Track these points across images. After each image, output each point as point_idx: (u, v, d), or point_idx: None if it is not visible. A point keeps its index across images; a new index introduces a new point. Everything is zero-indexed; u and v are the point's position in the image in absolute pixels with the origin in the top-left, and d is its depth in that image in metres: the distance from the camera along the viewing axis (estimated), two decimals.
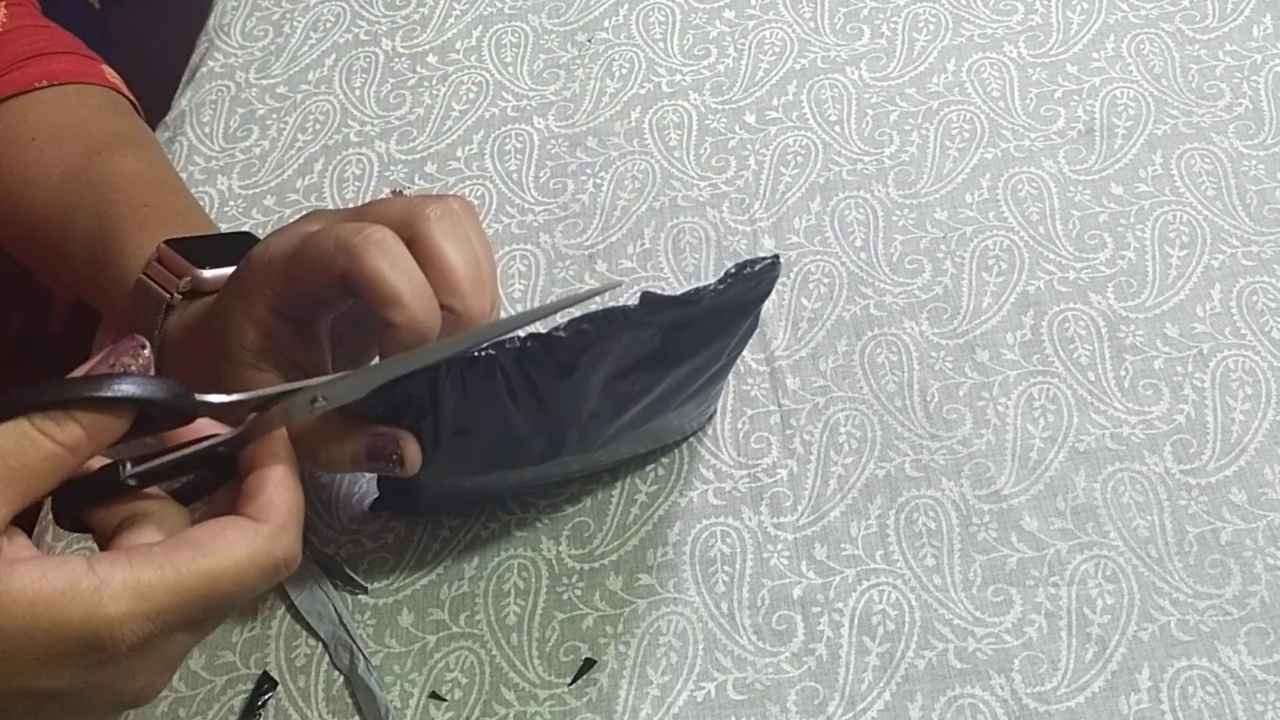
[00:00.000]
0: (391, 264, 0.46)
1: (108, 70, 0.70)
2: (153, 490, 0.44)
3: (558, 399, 0.50)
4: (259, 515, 0.43)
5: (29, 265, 0.68)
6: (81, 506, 0.43)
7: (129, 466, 0.43)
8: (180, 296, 0.56)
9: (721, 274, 0.50)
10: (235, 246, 0.57)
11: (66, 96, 0.67)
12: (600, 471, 0.60)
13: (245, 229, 0.72)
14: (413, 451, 0.49)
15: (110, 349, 0.43)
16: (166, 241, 0.57)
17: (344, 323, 0.53)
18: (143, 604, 0.39)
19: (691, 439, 0.61)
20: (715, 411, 0.61)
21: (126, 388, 0.41)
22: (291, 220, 0.52)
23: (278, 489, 0.43)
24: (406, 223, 0.47)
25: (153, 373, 0.43)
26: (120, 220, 0.60)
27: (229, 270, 0.53)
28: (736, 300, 0.51)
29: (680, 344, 0.51)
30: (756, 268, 0.50)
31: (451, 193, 0.51)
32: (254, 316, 0.49)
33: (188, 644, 0.43)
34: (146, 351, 0.43)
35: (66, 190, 0.63)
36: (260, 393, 0.44)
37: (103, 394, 0.40)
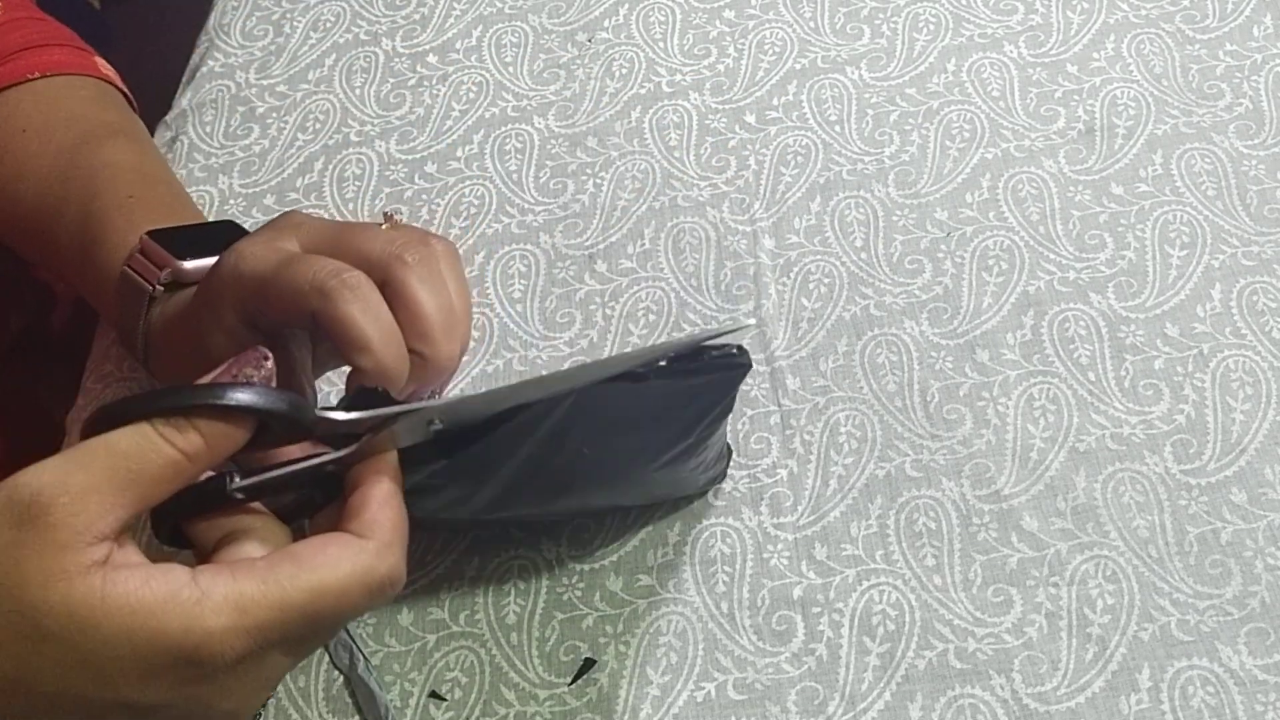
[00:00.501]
0: (363, 309, 0.46)
1: (101, 62, 0.70)
2: (256, 506, 0.43)
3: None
4: (363, 532, 0.42)
5: (22, 256, 0.68)
6: (183, 517, 0.42)
7: (236, 479, 0.42)
8: (162, 288, 0.56)
9: (682, 344, 0.48)
10: (218, 235, 0.57)
11: (58, 88, 0.67)
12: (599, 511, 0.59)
13: (246, 229, 0.71)
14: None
15: (234, 360, 0.42)
16: (149, 232, 0.57)
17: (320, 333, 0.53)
18: (244, 619, 0.38)
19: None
20: (724, 472, 0.59)
21: (248, 397, 0.40)
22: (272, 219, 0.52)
23: (382, 507, 0.42)
24: (384, 264, 0.47)
25: (274, 384, 0.42)
26: (106, 212, 0.60)
27: (211, 261, 0.53)
28: (685, 385, 0.49)
29: (620, 416, 0.49)
30: (714, 354, 0.49)
31: (436, 233, 0.51)
32: (224, 325, 0.49)
33: (285, 666, 0.42)
34: (269, 363, 0.42)
35: (55, 182, 0.63)
36: (379, 412, 0.43)
37: (225, 402, 0.40)
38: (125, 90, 0.71)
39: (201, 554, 0.43)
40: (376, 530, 0.42)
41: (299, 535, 0.43)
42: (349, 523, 0.42)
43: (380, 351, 0.46)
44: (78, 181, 0.62)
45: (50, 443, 0.70)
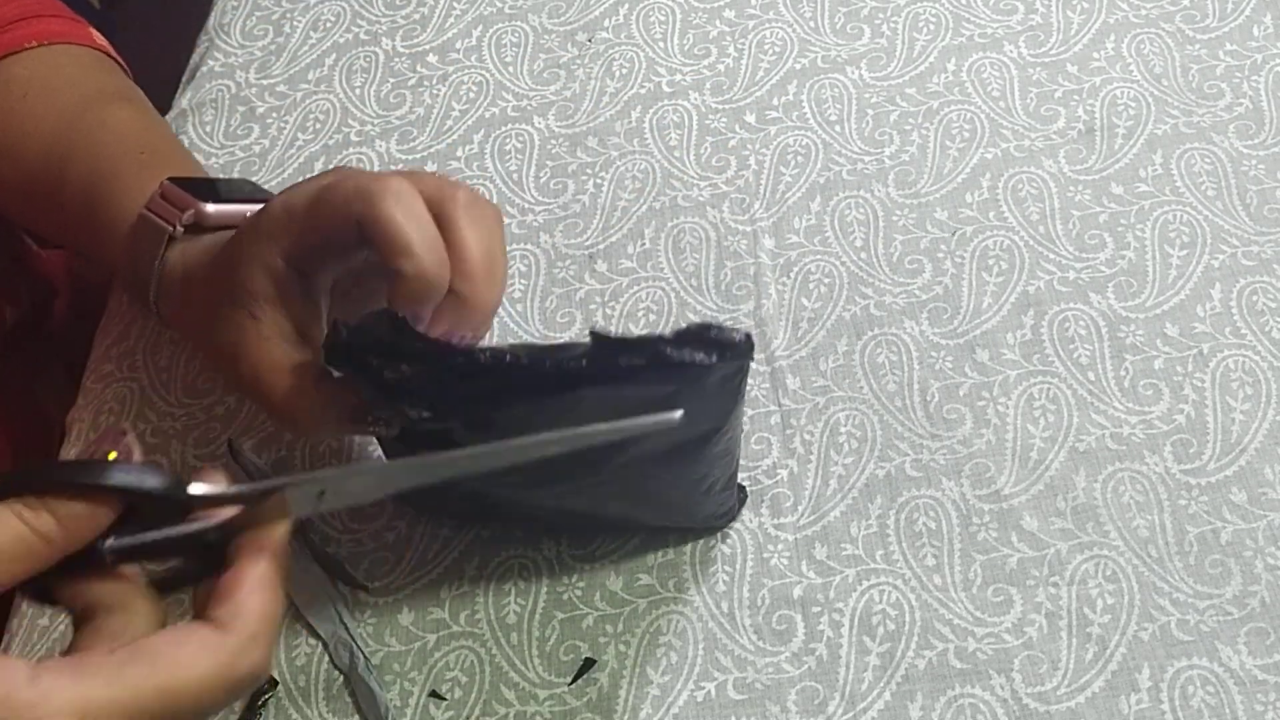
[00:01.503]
0: (406, 213, 0.46)
1: (95, 33, 0.71)
2: (131, 571, 0.41)
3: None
4: (227, 622, 0.39)
5: (24, 223, 0.68)
6: (51, 576, 0.40)
7: (108, 540, 0.40)
8: (183, 229, 0.56)
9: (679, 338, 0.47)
10: (238, 190, 0.57)
11: (56, 55, 0.67)
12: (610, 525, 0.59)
13: None
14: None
15: (96, 439, 0.41)
16: (169, 179, 0.57)
17: (349, 281, 0.53)
18: None
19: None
20: (736, 510, 0.58)
21: (108, 476, 0.38)
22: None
23: (250, 594, 0.40)
24: (437, 199, 0.48)
25: (138, 459, 0.40)
26: (117, 163, 0.60)
27: (233, 208, 0.54)
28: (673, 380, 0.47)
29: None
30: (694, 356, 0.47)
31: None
32: (266, 261, 0.49)
33: None
34: (128, 437, 0.41)
35: (60, 140, 0.63)
36: (261, 485, 0.41)
37: (84, 480, 0.38)
38: (120, 61, 0.72)
39: (70, 616, 0.41)
40: (240, 621, 0.39)
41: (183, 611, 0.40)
42: (215, 607, 0.40)
43: (423, 255, 0.45)
44: (84, 138, 0.62)
45: (47, 441, 0.71)
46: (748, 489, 0.59)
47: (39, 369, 0.74)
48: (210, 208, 0.56)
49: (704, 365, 0.46)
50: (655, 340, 0.46)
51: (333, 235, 0.48)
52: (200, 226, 0.56)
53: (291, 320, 0.51)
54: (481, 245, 0.48)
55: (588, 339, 0.46)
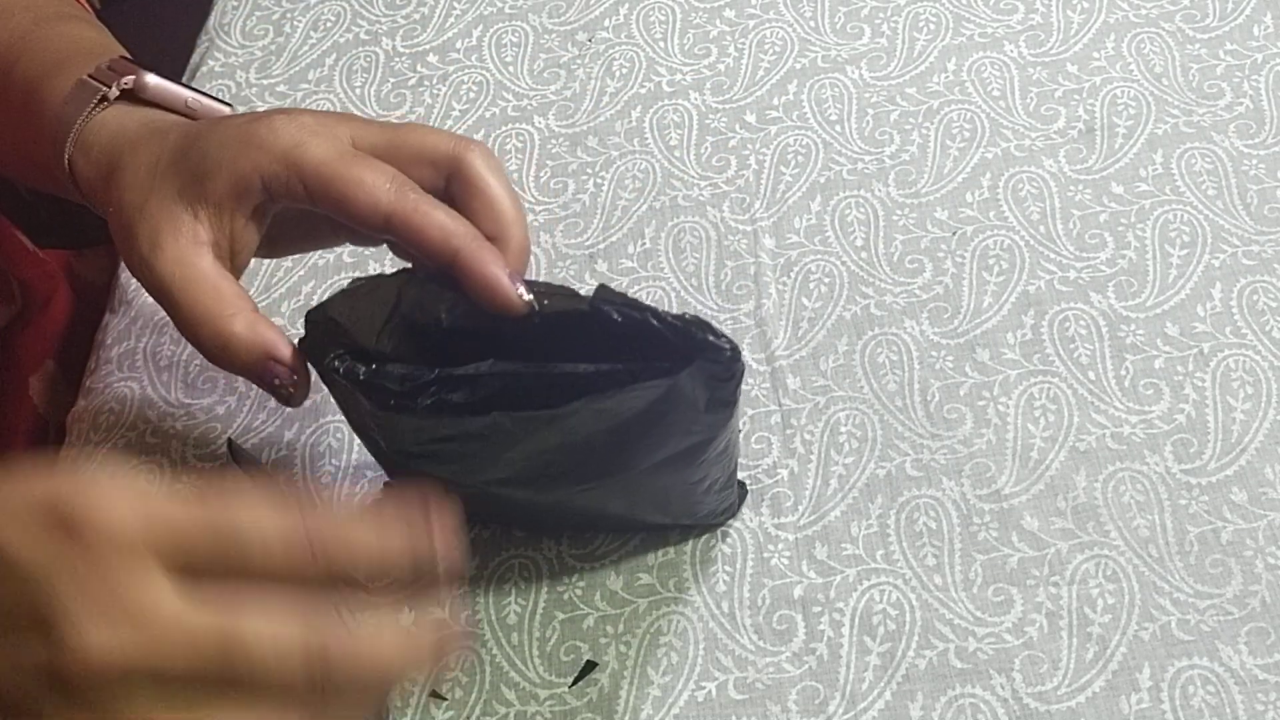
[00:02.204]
0: (446, 212, 0.47)
1: None
2: None
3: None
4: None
5: None
6: None
7: None
8: (118, 93, 0.54)
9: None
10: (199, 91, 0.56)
11: None
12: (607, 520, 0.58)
13: None
14: (300, 392, 0.48)
15: None
16: (122, 56, 0.56)
17: (290, 218, 0.52)
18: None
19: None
20: (736, 506, 0.58)
21: None
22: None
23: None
24: (454, 155, 0.48)
25: None
26: (65, 59, 0.58)
27: (176, 88, 0.53)
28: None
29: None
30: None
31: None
32: (244, 174, 0.48)
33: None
34: None
35: (10, 50, 0.60)
36: None
37: None
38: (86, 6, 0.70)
39: None
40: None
41: None
42: None
43: (472, 241, 0.47)
44: (34, 46, 0.59)
45: (43, 440, 0.71)
46: (748, 487, 0.59)
47: (34, 368, 0.74)
48: (151, 77, 0.54)
49: (697, 344, 0.47)
50: (652, 312, 0.47)
51: (339, 213, 0.47)
52: (136, 97, 0.54)
53: (230, 239, 0.49)
54: (506, 189, 0.49)
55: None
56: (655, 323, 0.47)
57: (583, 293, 0.48)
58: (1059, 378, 0.61)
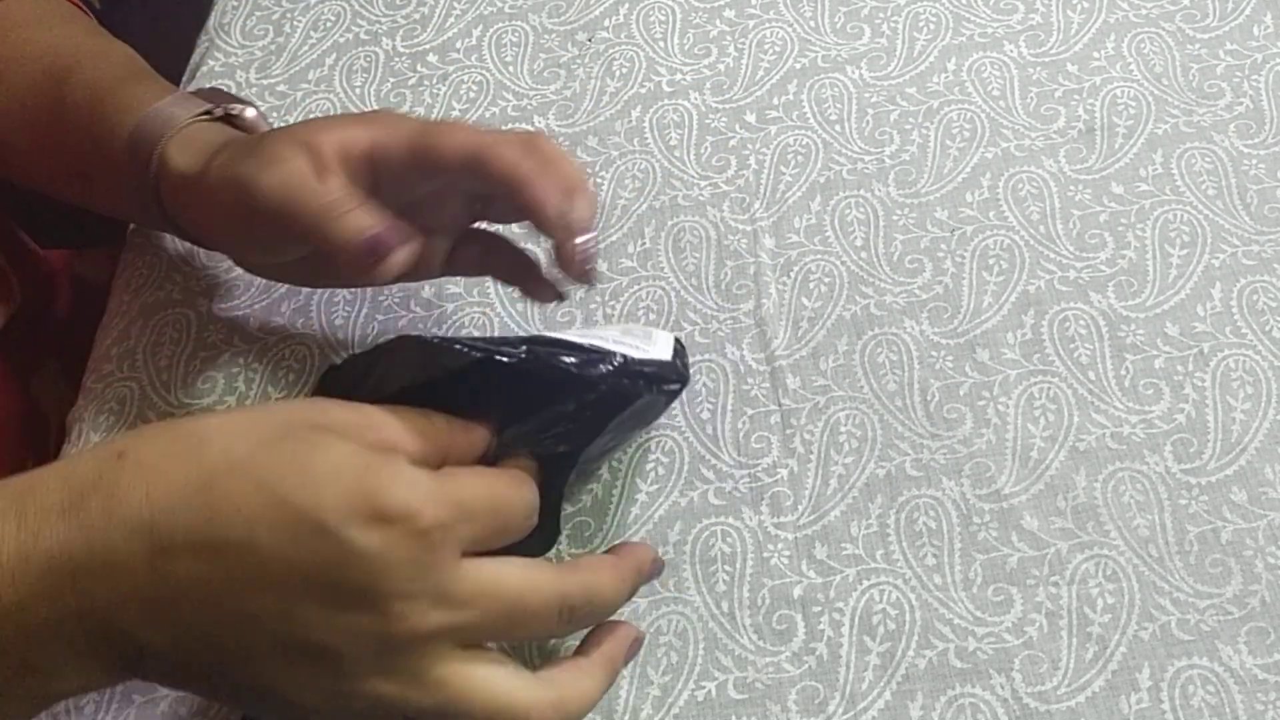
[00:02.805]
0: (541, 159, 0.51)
1: None
2: None
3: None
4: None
5: (24, 162, 0.67)
6: None
7: None
8: (222, 113, 0.59)
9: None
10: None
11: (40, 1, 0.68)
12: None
13: None
14: (400, 256, 0.52)
15: None
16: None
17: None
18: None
19: (691, 438, 0.61)
20: (684, 374, 0.56)
21: None
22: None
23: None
24: (526, 140, 0.52)
25: None
26: (119, 79, 0.61)
27: (264, 123, 0.60)
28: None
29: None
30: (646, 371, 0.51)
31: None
32: (347, 139, 0.52)
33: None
34: None
35: (58, 62, 0.63)
36: None
37: None
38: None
39: None
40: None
41: None
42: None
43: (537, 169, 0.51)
44: (85, 60, 0.63)
45: (43, 440, 0.71)
46: (746, 484, 0.59)
47: (35, 368, 0.74)
48: (252, 111, 0.60)
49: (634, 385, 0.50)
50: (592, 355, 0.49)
51: (430, 157, 0.52)
52: (233, 122, 0.60)
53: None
54: (567, 159, 0.52)
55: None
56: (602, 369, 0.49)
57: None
58: (1059, 377, 0.61)
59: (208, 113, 0.59)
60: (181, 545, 0.39)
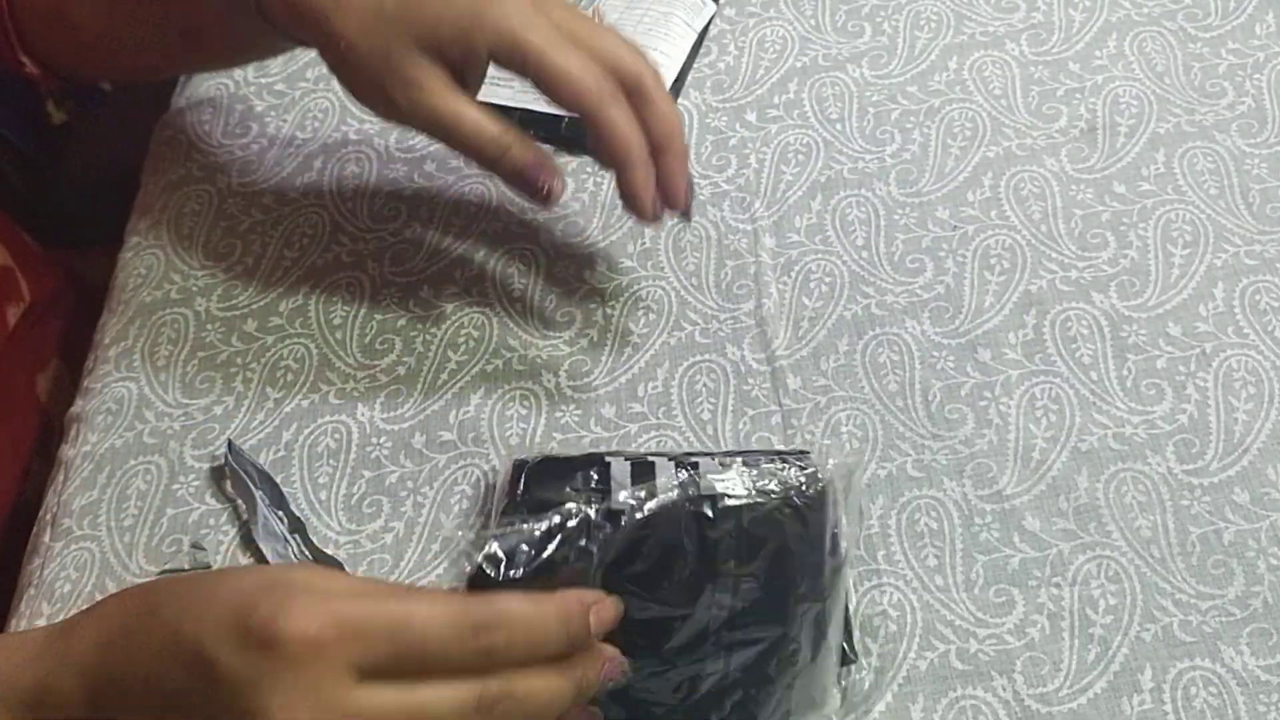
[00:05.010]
0: (629, 125, 0.56)
1: None
2: None
3: None
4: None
5: (101, 34, 0.67)
6: None
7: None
8: None
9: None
10: None
11: None
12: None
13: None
14: (558, 188, 0.57)
15: None
16: None
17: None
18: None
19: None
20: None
21: None
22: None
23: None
24: (636, 74, 0.56)
25: None
26: None
27: None
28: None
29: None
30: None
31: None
32: (491, 48, 0.56)
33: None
34: None
35: None
36: None
37: None
38: None
39: None
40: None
41: None
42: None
43: (639, 167, 0.56)
44: None
45: (46, 440, 0.70)
46: None
47: (41, 367, 0.74)
48: None
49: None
50: None
51: (546, 93, 0.56)
52: None
53: (465, 87, 0.57)
54: (674, 111, 0.57)
55: None
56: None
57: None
58: (1061, 378, 0.61)
59: None
60: (105, 684, 0.44)
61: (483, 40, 0.55)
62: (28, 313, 0.74)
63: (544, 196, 0.57)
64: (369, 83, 0.58)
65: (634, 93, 0.57)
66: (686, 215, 0.62)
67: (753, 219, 0.68)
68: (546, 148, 0.61)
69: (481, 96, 0.59)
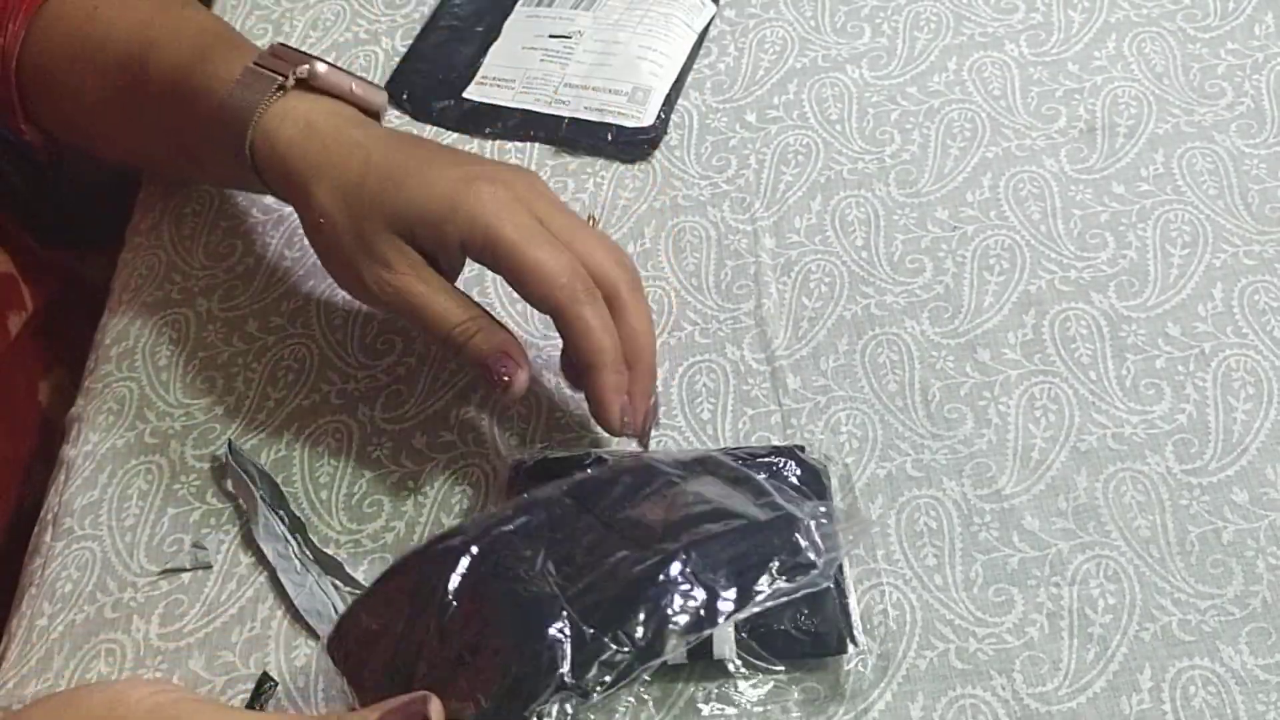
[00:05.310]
0: (602, 327, 0.54)
1: None
2: None
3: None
4: None
5: (103, 139, 0.68)
6: None
7: None
8: (294, 82, 0.58)
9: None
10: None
11: None
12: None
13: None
14: (521, 380, 0.54)
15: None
16: (280, 44, 0.60)
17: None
18: None
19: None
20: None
21: None
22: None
23: None
24: (614, 284, 0.55)
25: None
26: (203, 48, 0.62)
27: (343, 75, 0.59)
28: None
29: None
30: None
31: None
32: (462, 237, 0.54)
33: None
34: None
35: (138, 37, 0.64)
36: None
37: None
38: None
39: None
40: None
41: None
42: None
43: (610, 367, 0.54)
44: (164, 35, 0.63)
45: (48, 441, 0.70)
46: None
47: (44, 374, 0.74)
48: (321, 66, 0.59)
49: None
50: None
51: (515, 288, 0.54)
52: (308, 84, 0.59)
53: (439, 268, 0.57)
54: (650, 328, 0.56)
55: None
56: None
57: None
58: (1060, 378, 0.61)
59: (280, 87, 0.58)
60: None
61: (454, 231, 0.54)
62: (29, 321, 0.74)
63: (503, 388, 0.55)
64: (340, 257, 0.57)
65: (611, 297, 0.55)
66: (644, 441, 0.58)
67: (753, 219, 0.68)
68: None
69: (481, 97, 0.58)
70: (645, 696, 0.53)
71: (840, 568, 0.54)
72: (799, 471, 0.56)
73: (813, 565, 0.50)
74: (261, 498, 0.59)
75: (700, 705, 0.53)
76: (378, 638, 0.50)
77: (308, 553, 0.58)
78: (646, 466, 0.54)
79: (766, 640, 0.52)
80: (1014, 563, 0.56)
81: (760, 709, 0.53)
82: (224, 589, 0.58)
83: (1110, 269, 0.64)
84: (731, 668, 0.53)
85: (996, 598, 0.55)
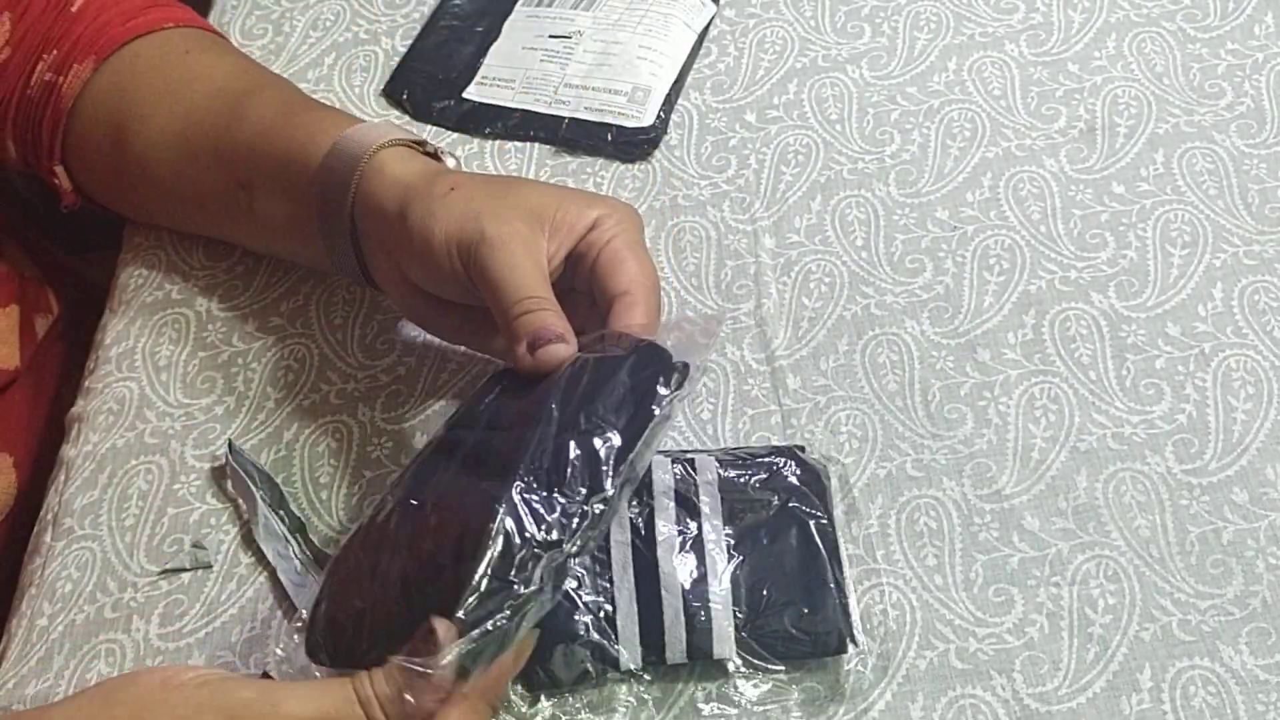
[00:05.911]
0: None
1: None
2: None
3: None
4: None
5: (161, 169, 0.67)
6: None
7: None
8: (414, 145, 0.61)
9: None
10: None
11: (201, 35, 0.71)
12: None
13: None
14: (559, 348, 0.53)
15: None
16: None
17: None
18: None
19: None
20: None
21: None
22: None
23: None
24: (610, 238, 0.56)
25: None
26: (313, 101, 0.65)
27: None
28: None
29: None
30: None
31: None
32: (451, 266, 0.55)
33: None
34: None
35: (239, 78, 0.66)
36: None
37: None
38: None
39: None
40: None
41: None
42: None
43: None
44: (270, 79, 0.67)
45: (52, 442, 0.71)
46: None
47: (68, 374, 0.74)
48: (450, 161, 0.61)
49: None
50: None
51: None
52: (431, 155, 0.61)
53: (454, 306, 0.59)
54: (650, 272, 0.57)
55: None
56: None
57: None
58: (1060, 378, 0.61)
59: (410, 144, 0.60)
60: None
61: (598, 205, 0.57)
62: (55, 324, 0.75)
63: (537, 346, 0.54)
64: (457, 208, 0.57)
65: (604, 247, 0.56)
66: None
67: (753, 219, 0.68)
68: None
69: (482, 97, 0.58)
70: (645, 696, 0.53)
71: (840, 567, 0.54)
72: (799, 472, 0.56)
73: (686, 365, 0.52)
74: (261, 498, 0.59)
75: (700, 705, 0.53)
76: (351, 619, 0.49)
77: (308, 553, 0.58)
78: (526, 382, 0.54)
79: (766, 640, 0.52)
80: (1014, 563, 0.56)
81: (760, 709, 0.53)
82: (224, 589, 0.58)
83: (1110, 269, 0.64)
84: (731, 667, 0.53)
85: (996, 598, 0.55)
